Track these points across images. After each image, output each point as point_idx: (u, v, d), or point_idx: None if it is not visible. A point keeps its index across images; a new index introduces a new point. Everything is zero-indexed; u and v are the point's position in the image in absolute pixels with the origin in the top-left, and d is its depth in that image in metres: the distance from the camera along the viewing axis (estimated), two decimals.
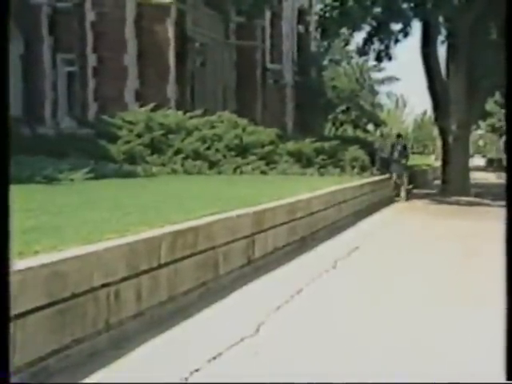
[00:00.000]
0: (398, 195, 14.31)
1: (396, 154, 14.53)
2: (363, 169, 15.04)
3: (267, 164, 14.38)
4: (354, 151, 15.75)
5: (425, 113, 69.74)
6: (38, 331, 2.89)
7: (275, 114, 26.49)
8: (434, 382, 3.00)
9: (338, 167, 14.81)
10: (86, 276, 3.26)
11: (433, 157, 47.21)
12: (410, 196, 15.27)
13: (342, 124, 43.98)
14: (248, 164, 14.07)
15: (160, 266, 4.09)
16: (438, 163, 25.67)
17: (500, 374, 1.53)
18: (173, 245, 4.29)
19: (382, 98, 61.46)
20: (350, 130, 44.84)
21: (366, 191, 12.30)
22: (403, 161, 14.38)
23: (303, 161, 14.89)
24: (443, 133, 17.95)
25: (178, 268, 4.37)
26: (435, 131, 33.11)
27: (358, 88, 42.01)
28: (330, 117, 41.64)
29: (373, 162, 15.61)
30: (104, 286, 3.40)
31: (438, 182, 20.98)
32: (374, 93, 47.38)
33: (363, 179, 13.11)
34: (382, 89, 59.19)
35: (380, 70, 44.86)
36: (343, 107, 41.93)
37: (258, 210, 6.14)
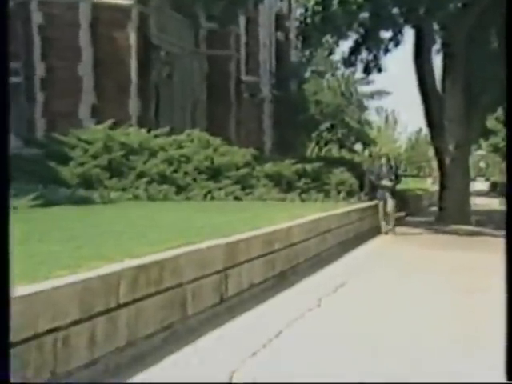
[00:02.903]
0: (387, 224, 14.24)
1: (382, 178, 14.41)
2: (350, 194, 15.16)
3: (242, 188, 14.41)
4: (340, 174, 15.88)
5: (419, 131, 70.93)
6: None
7: (251, 132, 26.69)
8: (434, 382, 3.12)
9: (322, 192, 14.90)
10: (29, 320, 3.20)
11: (429, 180, 47.87)
12: (398, 224, 15.33)
13: (326, 143, 44.43)
14: (220, 189, 14.08)
15: (119, 307, 4.03)
16: (435, 187, 26.05)
17: (500, 374, 1.62)
18: (134, 282, 4.25)
19: (371, 115, 62.45)
20: (335, 150, 45.24)
21: (354, 219, 12.37)
22: (390, 185, 14.31)
23: (283, 185, 14.96)
24: (440, 153, 18.24)
25: (140, 308, 4.32)
26: (431, 151, 33.67)
27: (343, 103, 42.60)
28: (313, 135, 42.05)
29: (361, 186, 15.76)
30: (51, 331, 3.34)
31: (434, 208, 21.24)
32: (362, 108, 48.10)
33: (350, 205, 13.21)
34: (371, 104, 60.09)
35: (368, 83, 45.68)
36: (327, 124, 42.42)
37: (232, 241, 6.13)
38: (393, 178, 14.38)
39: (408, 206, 19.96)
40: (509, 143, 1.70)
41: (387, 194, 14.14)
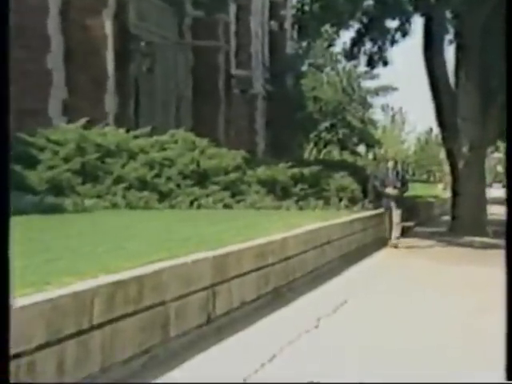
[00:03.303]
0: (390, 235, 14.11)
1: (388, 185, 14.29)
2: (353, 201, 15.17)
3: (232, 195, 14.39)
4: (342, 179, 15.89)
5: (429, 131, 71.25)
6: None
7: (242, 133, 26.70)
8: (434, 382, 3.31)
9: (321, 199, 14.91)
10: None
11: (440, 186, 48.02)
12: (406, 235, 15.34)
13: (326, 145, 44.57)
14: (208, 195, 14.06)
15: (92, 328, 4.01)
16: (447, 194, 26.13)
17: (500, 374, 1.72)
18: (110, 300, 4.23)
19: (376, 113, 62.64)
20: (335, 153, 45.37)
21: (357, 229, 12.38)
22: (396, 192, 14.21)
23: (278, 191, 14.95)
24: (452, 156, 18.31)
25: (116, 330, 4.30)
26: (442, 154, 33.78)
27: (345, 100, 42.76)
28: (311, 135, 42.17)
29: (364, 193, 15.78)
30: (14, 356, 3.31)
31: (446, 217, 21.30)
32: (366, 106, 48.20)
33: (352, 214, 13.22)
34: (376, 101, 60.38)
35: (373, 78, 45.76)
36: (327, 124, 42.57)
37: (220, 254, 6.12)
38: (398, 184, 14.26)
39: (417, 215, 20.01)
40: (509, 143, 1.74)
41: (392, 203, 14.04)
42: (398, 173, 14.75)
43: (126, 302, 4.43)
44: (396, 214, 14.05)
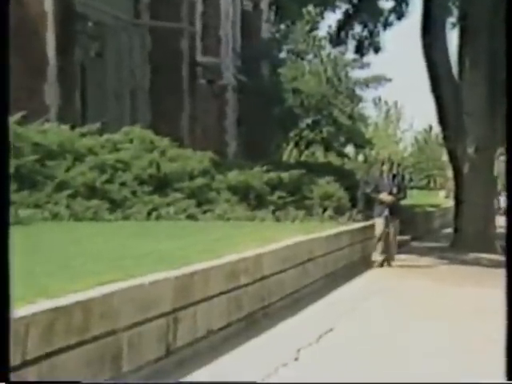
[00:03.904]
0: (384, 252, 13.82)
1: (381, 191, 14.10)
2: (339, 211, 15.22)
3: (198, 204, 14.36)
4: (326, 185, 15.95)
5: (429, 129, 71.90)
6: None
7: (210, 130, 26.72)
8: (434, 381, 3.16)
9: (302, 208, 14.94)
10: None
11: (442, 193, 48.48)
12: (402, 251, 15.37)
13: (308, 145, 44.76)
14: (169, 205, 14.01)
15: (25, 364, 3.97)
16: (450, 203, 26.31)
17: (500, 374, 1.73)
18: (48, 330, 4.18)
19: (367, 108, 63.07)
20: (320, 154, 45.57)
21: (344, 244, 12.41)
22: (391, 200, 14.02)
23: (251, 199, 14.96)
24: (455, 158, 18.45)
25: (56, 365, 4.26)
26: (444, 156, 34.07)
27: (330, 92, 42.93)
28: (291, 134, 42.32)
29: (353, 201, 15.83)
30: None
31: (448, 230, 21.46)
32: (355, 100, 48.48)
33: (339, 226, 13.26)
34: (367, 94, 60.76)
35: (363, 67, 46.08)
36: (310, 120, 42.71)
37: (184, 274, 6.10)
38: (395, 190, 14.09)
39: (414, 228, 20.12)
40: (509, 144, 1.78)
41: (387, 212, 13.83)
42: (394, 176, 14.57)
43: (68, 332, 4.37)
44: (392, 225, 13.92)
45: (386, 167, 14.70)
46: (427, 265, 14.65)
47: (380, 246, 13.88)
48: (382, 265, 13.70)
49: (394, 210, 14.17)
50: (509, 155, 1.83)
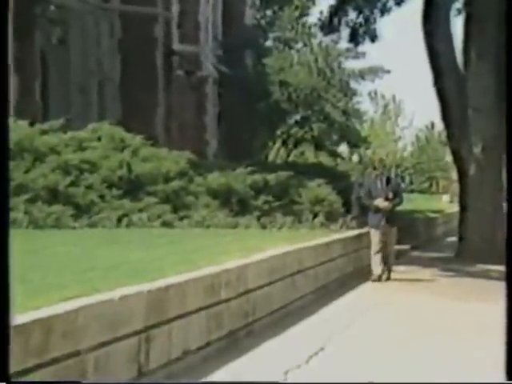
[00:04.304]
0: (381, 265, 13.56)
1: (376, 196, 13.77)
2: (331, 217, 15.23)
3: (174, 210, 14.35)
4: (317, 188, 15.95)
5: (431, 126, 72.11)
6: None
7: (188, 127, 26.68)
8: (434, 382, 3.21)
9: (290, 214, 14.95)
10: None
11: (445, 197, 48.58)
12: (401, 262, 15.36)
13: (296, 144, 44.79)
14: (142, 210, 14.00)
15: None
16: (454, 208, 26.38)
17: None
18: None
19: (363, 103, 63.12)
20: (310, 154, 45.59)
21: (337, 255, 12.42)
22: (387, 206, 13.73)
23: (234, 204, 14.97)
24: (460, 159, 18.49)
25: None
26: (448, 156, 34.17)
27: (322, 85, 42.95)
28: (278, 132, 42.32)
29: (347, 206, 15.83)
30: None
31: (453, 238, 21.48)
32: (349, 93, 48.55)
33: (331, 234, 13.27)
34: (362, 87, 60.88)
35: (358, 57, 46.12)
36: (299, 116, 42.71)
37: (158, 288, 6.08)
38: (390, 195, 13.77)
39: (414, 236, 20.15)
40: (509, 144, 1.86)
41: (383, 220, 13.59)
42: (389, 179, 14.21)
43: (26, 353, 4.35)
44: (391, 235, 13.66)
45: (380, 169, 14.56)
46: (429, 278, 14.54)
47: (377, 259, 13.64)
48: (379, 278, 13.47)
49: (391, 217, 13.90)
50: (509, 155, 1.87)
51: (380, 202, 13.77)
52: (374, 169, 15.05)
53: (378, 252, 13.66)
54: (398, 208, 14.82)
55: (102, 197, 14.07)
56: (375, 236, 13.79)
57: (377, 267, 13.57)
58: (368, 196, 14.10)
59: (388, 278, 13.63)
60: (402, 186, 16.60)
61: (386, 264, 13.70)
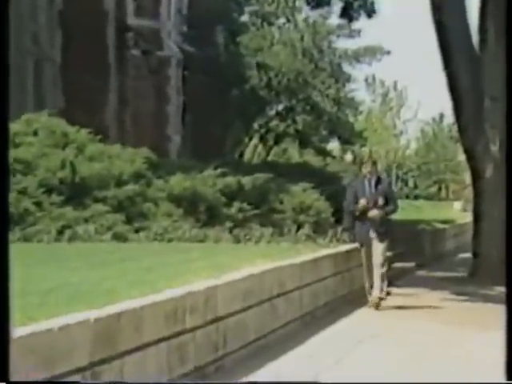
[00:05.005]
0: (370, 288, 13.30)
1: (366, 202, 13.37)
2: (319, 228, 15.27)
3: (128, 220, 14.33)
4: (302, 194, 15.98)
5: (440, 118, 72.48)
6: None
7: (146, 119, 26.67)
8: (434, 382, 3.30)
9: (269, 225, 14.98)
10: None
11: (457, 205, 48.74)
12: (403, 284, 15.36)
13: (277, 139, 44.81)
14: (88, 220, 13.98)
15: None
16: (468, 217, 26.42)
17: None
18: None
19: (358, 90, 63.23)
20: (294, 152, 45.65)
21: (326, 274, 12.43)
22: (376, 214, 13.37)
23: (201, 213, 14.96)
24: (473, 158, 18.52)
25: None
26: (461, 154, 34.29)
27: (308, 69, 43.07)
28: (256, 125, 42.34)
29: (338, 215, 15.83)
30: None
31: (466, 254, 21.54)
32: (342, 79, 48.71)
33: (319, 249, 13.30)
34: (358, 72, 60.94)
35: (352, 36, 46.31)
36: (281, 106, 42.78)
37: (107, 315, 6.05)
38: (381, 201, 13.32)
39: (420, 251, 20.20)
40: (509, 144, 1.89)
41: (373, 234, 13.22)
42: (379, 180, 13.73)
43: None
44: (378, 251, 13.27)
45: (366, 168, 13.80)
46: (437, 304, 14.41)
47: (370, 280, 13.36)
48: (378, 305, 13.22)
49: (382, 228, 13.48)
50: (509, 155, 1.89)
51: (363, 204, 13.32)
52: (362, 163, 14.37)
53: (368, 270, 13.42)
54: (399, 217, 14.67)
55: (38, 204, 14.00)
56: (364, 252, 13.53)
57: (369, 289, 13.38)
58: (353, 201, 13.59)
59: (377, 306, 13.22)
60: (395, 190, 15.85)
61: (378, 287, 13.33)
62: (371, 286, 13.38)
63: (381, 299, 13.32)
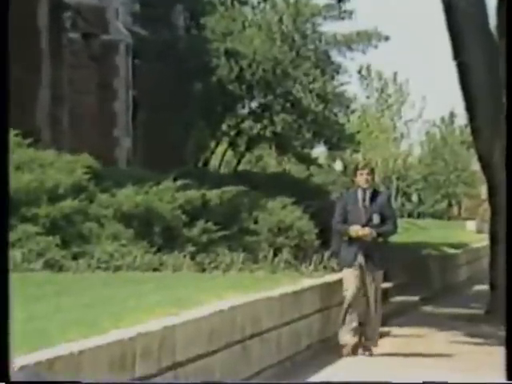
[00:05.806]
0: (357, 330, 12.98)
1: (353, 220, 13.15)
2: (302, 253, 15.32)
3: (65, 244, 14.30)
4: (281, 211, 16.01)
5: (450, 118, 72.76)
6: None
7: (87, 118, 26.66)
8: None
9: (241, 249, 15.00)
10: None
11: (471, 225, 48.91)
12: (407, 322, 15.40)
13: (250, 144, 44.82)
14: (14, 245, 13.91)
15: None
16: (484, 240, 26.50)
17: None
18: None
19: (350, 84, 63.33)
20: (270, 159, 45.73)
21: (309, 310, 12.47)
22: (368, 234, 13.21)
23: (156, 235, 14.97)
24: (490, 167, 18.55)
25: None
26: (475, 163, 34.49)
27: (289, 57, 43.14)
28: (224, 126, 42.40)
29: (325, 237, 15.88)
30: None
31: (481, 286, 21.62)
32: (330, 69, 48.83)
33: (301, 279, 13.34)
34: (350, 61, 61.06)
35: (342, 18, 46.49)
36: (255, 103, 42.85)
37: (36, 362, 6.02)
38: (376, 220, 13.09)
39: (426, 282, 20.30)
40: (509, 144, 1.98)
41: (362, 259, 13.03)
42: (375, 194, 13.58)
43: None
44: (374, 281, 13.24)
45: (362, 176, 13.44)
46: (446, 348, 14.41)
47: (351, 319, 13.15)
48: (354, 351, 13.05)
49: (376, 253, 13.33)
50: (509, 155, 1.94)
51: (358, 230, 13.11)
52: (356, 170, 13.77)
53: (350, 306, 13.17)
54: (400, 239, 14.67)
55: None
56: (348, 280, 13.27)
57: (346, 331, 13.12)
58: (340, 220, 13.47)
59: (368, 350, 13.05)
60: (392, 205, 14.93)
61: (366, 328, 13.24)
62: (355, 329, 13.11)
63: (365, 345, 13.24)
